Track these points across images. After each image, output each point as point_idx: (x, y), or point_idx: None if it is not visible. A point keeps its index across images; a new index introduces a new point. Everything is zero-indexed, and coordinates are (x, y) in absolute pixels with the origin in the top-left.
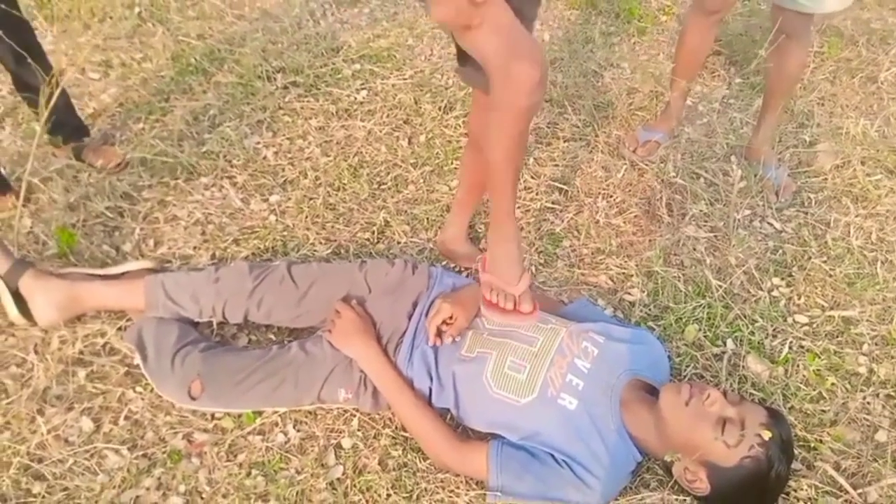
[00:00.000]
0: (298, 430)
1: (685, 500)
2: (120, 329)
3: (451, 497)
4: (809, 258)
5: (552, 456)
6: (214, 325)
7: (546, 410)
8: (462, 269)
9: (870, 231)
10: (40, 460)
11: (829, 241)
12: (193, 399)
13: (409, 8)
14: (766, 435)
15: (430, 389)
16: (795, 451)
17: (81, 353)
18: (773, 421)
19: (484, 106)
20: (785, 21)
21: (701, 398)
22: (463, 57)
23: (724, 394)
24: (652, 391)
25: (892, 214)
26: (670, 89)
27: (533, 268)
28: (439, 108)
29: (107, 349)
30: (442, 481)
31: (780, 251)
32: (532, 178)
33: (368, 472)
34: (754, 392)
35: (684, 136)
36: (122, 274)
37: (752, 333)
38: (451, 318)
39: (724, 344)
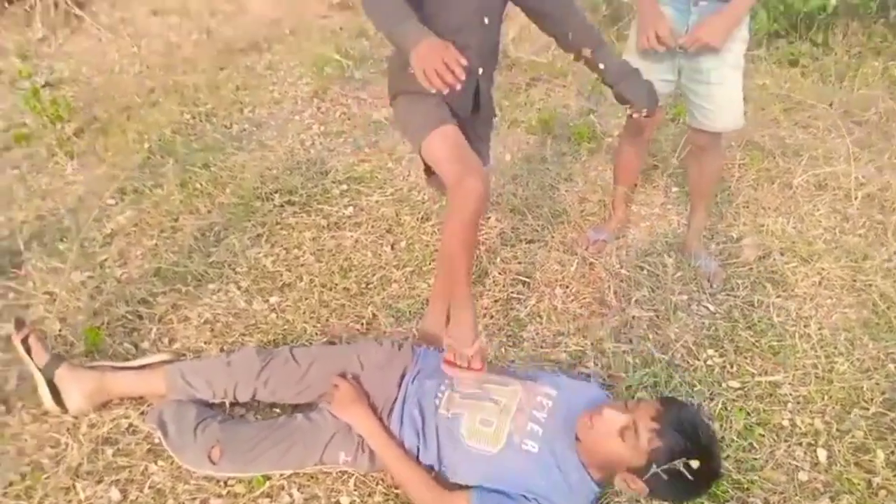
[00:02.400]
0: (302, 492)
1: None
2: (142, 413)
3: None
4: (739, 333)
5: (524, 496)
6: (227, 406)
7: (514, 456)
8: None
9: (789, 310)
10: None
11: (755, 318)
12: (213, 464)
13: (388, 137)
14: (655, 426)
15: (418, 448)
16: (731, 492)
17: (109, 433)
18: (661, 409)
19: None
20: (697, 137)
21: (600, 418)
22: (428, 170)
23: (625, 404)
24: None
25: (808, 296)
26: (613, 197)
27: (503, 348)
28: (417, 219)
29: (131, 430)
30: None
31: (714, 328)
32: (499, 273)
33: None
34: None
35: (629, 236)
36: (143, 366)
37: (692, 396)
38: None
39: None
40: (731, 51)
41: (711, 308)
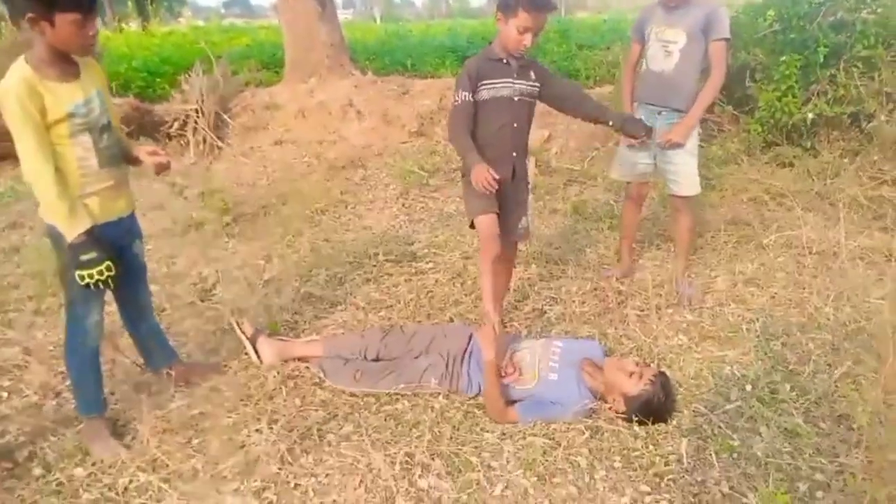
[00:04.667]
0: (409, 401)
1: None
2: (307, 367)
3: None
4: (703, 327)
5: (550, 402)
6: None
7: (544, 385)
8: None
9: (744, 316)
10: (274, 410)
11: (717, 321)
12: (356, 381)
13: (456, 222)
14: (652, 379)
15: (479, 384)
16: (685, 411)
17: (289, 374)
18: (659, 374)
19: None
20: (673, 202)
21: (624, 362)
22: (471, 225)
23: (636, 363)
24: (594, 364)
25: (760, 308)
26: (620, 248)
27: (537, 336)
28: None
29: (302, 374)
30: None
31: (685, 325)
32: (536, 295)
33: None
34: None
35: (637, 276)
36: (307, 341)
37: (665, 361)
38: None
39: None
40: (689, 142)
41: (688, 316)
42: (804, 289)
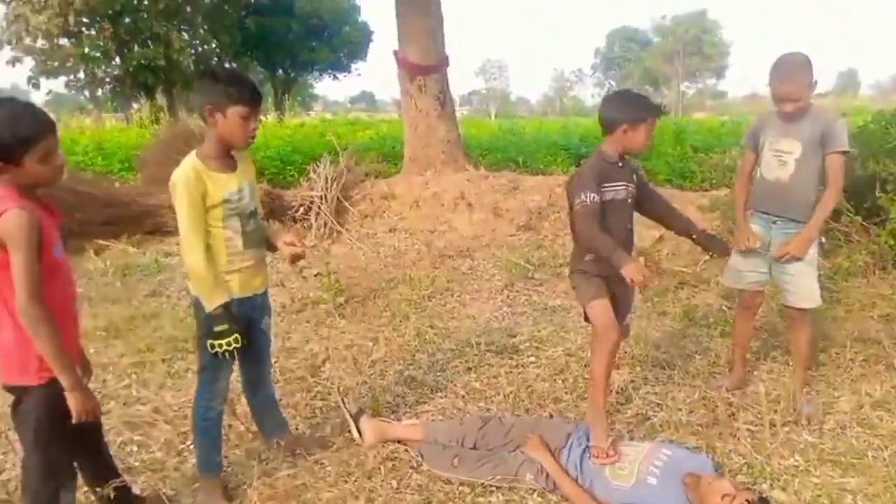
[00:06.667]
0: (504, 495)
1: None
2: (406, 450)
3: None
4: (824, 449)
5: None
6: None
7: (640, 487)
8: None
9: (871, 442)
10: (371, 489)
11: (839, 443)
12: (454, 467)
13: (559, 317)
14: (746, 500)
15: (577, 477)
16: None
17: (389, 455)
18: (755, 499)
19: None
20: (790, 313)
21: (718, 483)
22: (585, 317)
23: (736, 485)
24: (696, 478)
25: (889, 434)
26: (732, 357)
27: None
28: (581, 366)
29: (399, 457)
30: None
31: (802, 445)
32: (640, 400)
33: None
34: None
35: (750, 389)
36: (407, 424)
37: (780, 482)
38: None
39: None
40: (807, 253)
41: (807, 436)
42: None
